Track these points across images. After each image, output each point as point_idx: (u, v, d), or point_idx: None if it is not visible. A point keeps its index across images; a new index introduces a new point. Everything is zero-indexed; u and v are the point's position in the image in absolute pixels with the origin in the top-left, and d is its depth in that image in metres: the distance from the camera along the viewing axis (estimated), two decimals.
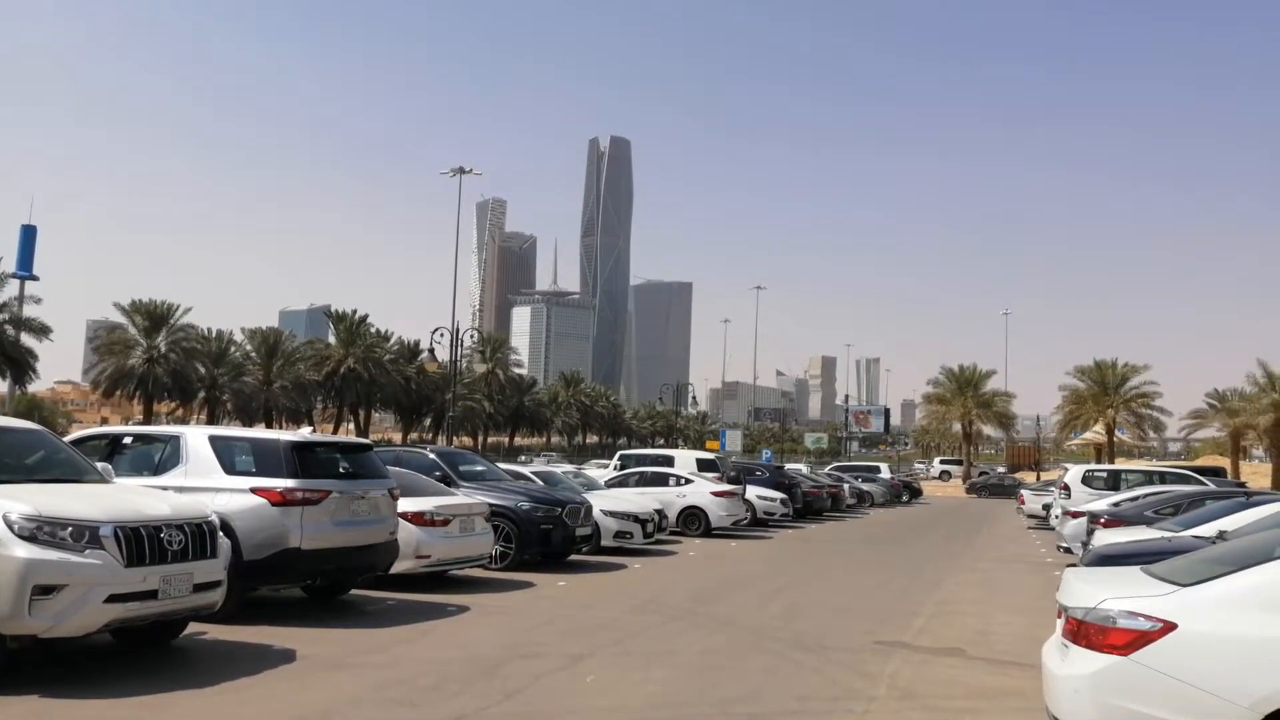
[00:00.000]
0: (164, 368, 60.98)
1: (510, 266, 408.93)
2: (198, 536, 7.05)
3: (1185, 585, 4.68)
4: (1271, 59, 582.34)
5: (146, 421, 57.33)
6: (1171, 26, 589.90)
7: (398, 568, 10.44)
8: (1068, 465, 35.13)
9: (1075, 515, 16.95)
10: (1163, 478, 23.72)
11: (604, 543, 16.01)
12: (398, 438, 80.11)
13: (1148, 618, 4.50)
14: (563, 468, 23.74)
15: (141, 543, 6.57)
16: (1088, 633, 4.65)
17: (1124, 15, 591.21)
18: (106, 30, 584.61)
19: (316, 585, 10.15)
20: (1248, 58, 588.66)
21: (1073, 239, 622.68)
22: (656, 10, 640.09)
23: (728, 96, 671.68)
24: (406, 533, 10.59)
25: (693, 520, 21.13)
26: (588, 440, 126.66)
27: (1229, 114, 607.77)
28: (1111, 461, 54.28)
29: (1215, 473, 29.93)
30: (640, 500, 18.22)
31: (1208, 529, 9.47)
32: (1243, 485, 22.36)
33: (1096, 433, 64.06)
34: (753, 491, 24.90)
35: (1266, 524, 7.40)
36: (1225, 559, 5.03)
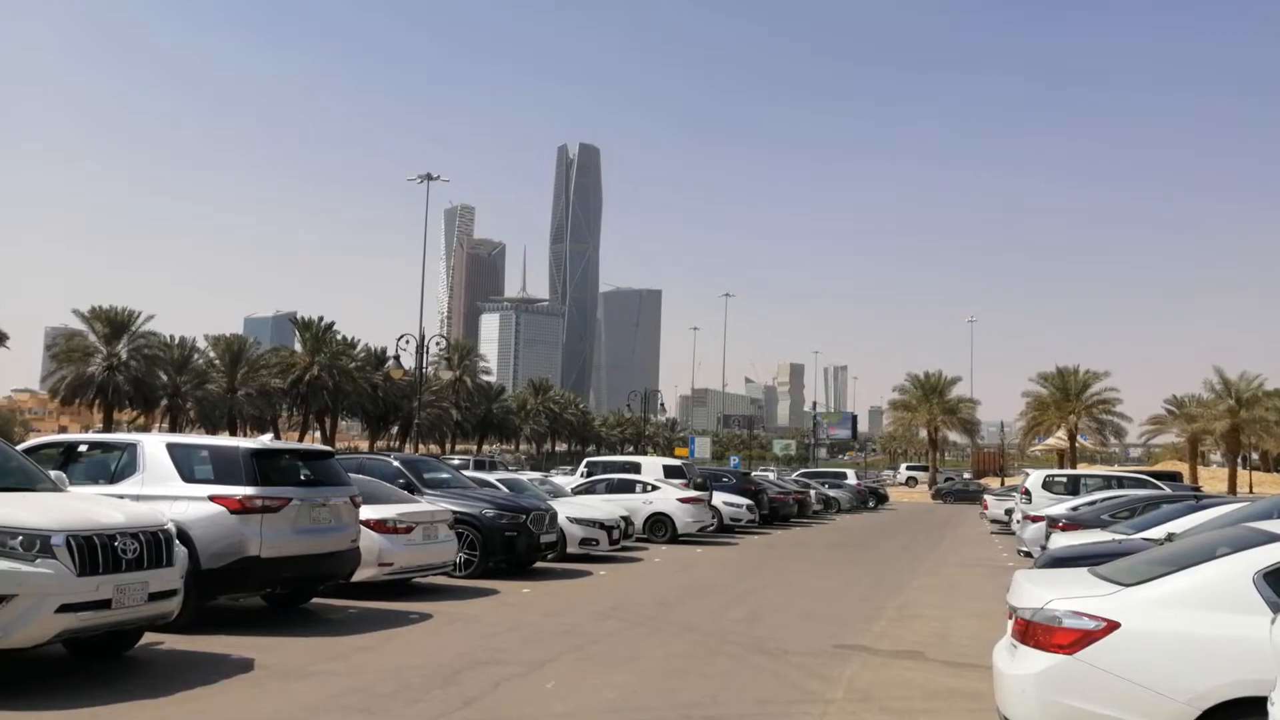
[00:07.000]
0: (125, 375, 60.01)
1: (479, 273, 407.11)
2: (153, 545, 6.99)
3: (1128, 585, 4.80)
4: (1227, 64, 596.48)
5: (107, 430, 56.38)
6: (1137, 33, 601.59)
7: (360, 575, 10.39)
8: (1029, 471, 35.58)
9: (1035, 519, 17.21)
10: (1120, 482, 24.14)
11: (569, 550, 16.00)
12: (365, 445, 79.33)
13: (1092, 617, 4.61)
14: (529, 475, 23.68)
15: (94, 552, 6.50)
16: (1035, 633, 4.75)
17: (1082, 24, 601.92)
18: (60, 33, 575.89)
19: (277, 593, 10.09)
20: (1204, 65, 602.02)
21: (1038, 247, 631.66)
22: (628, 18, 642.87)
23: (699, 105, 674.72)
24: (369, 540, 10.53)
25: (659, 527, 21.17)
26: (556, 447, 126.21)
27: (1189, 121, 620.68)
28: (1074, 466, 55.07)
29: (1172, 477, 30.49)
30: (606, 507, 18.18)
31: (1157, 531, 9.69)
32: (1197, 489, 22.78)
33: (1059, 438, 65.03)
34: (719, 498, 24.99)
35: (1212, 526, 7.57)
36: (1168, 560, 5.16)
